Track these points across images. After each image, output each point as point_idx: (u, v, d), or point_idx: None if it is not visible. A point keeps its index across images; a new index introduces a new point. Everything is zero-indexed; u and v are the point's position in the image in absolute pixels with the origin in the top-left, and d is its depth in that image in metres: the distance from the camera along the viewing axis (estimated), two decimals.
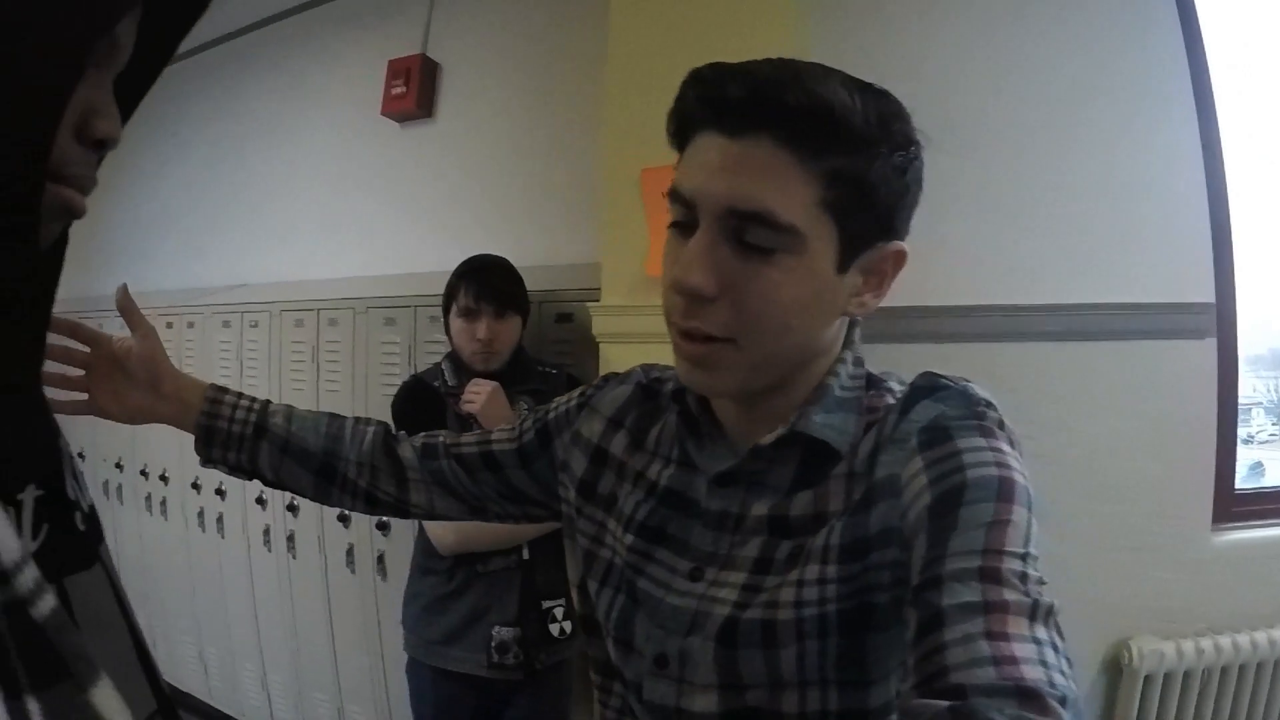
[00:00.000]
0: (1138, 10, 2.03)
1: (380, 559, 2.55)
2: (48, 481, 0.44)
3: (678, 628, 0.71)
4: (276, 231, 3.39)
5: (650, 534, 0.77)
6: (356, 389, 2.63)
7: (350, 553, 2.63)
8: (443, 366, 1.93)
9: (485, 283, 1.84)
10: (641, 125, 1.98)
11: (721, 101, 0.63)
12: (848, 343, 0.76)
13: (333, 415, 1.00)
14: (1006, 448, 0.65)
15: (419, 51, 2.95)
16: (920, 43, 2.11)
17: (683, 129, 0.69)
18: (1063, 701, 0.45)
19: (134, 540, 3.52)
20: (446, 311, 1.90)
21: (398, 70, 2.94)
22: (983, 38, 2.06)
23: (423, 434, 0.99)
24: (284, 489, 1.00)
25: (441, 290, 1.93)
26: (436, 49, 2.97)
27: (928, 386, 0.70)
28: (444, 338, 1.97)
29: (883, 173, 0.66)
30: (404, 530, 2.43)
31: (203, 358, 3.15)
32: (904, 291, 1.95)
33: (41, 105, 0.34)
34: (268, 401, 0.99)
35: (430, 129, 2.97)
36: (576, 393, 0.94)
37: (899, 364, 1.98)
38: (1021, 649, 0.49)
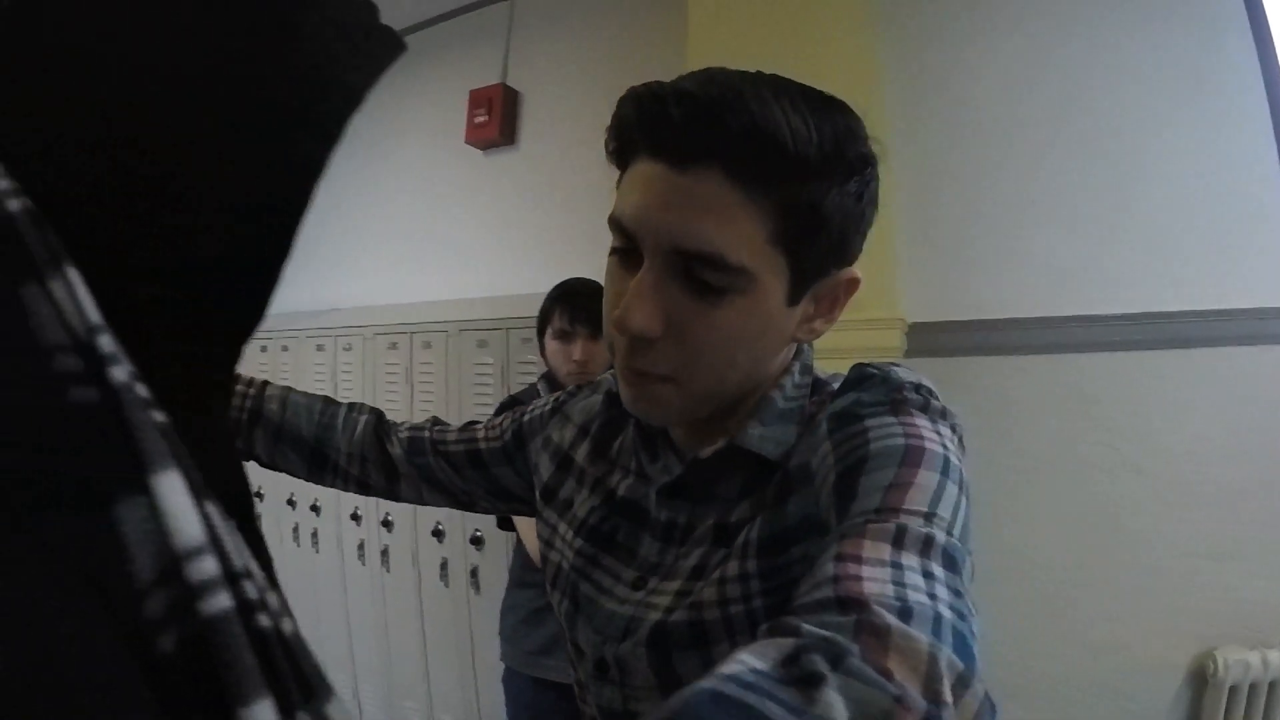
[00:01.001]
0: (1207, 17, 2.03)
1: (474, 573, 2.64)
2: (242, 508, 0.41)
3: (614, 634, 0.71)
4: (366, 257, 3.52)
5: (599, 540, 0.77)
6: (451, 410, 2.70)
7: (444, 567, 2.72)
8: (538, 387, 2.00)
9: (579, 306, 1.91)
10: None
11: (663, 127, 0.59)
12: (797, 353, 0.74)
13: (328, 401, 1.00)
14: (924, 423, 0.61)
15: (499, 81, 3.06)
16: (988, 57, 2.15)
17: (622, 151, 0.65)
18: (904, 614, 0.43)
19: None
20: (541, 334, 1.98)
21: (479, 100, 3.05)
22: (1053, 50, 2.09)
23: (408, 427, 0.99)
24: (277, 470, 1.00)
25: (531, 312, 2.01)
26: (516, 78, 3.07)
27: (854, 379, 0.68)
28: (535, 358, 2.04)
29: (838, 201, 0.61)
30: (498, 544, 2.52)
31: (297, 381, 3.24)
32: (982, 304, 2.00)
33: (305, 178, 0.35)
34: (265, 383, 0.99)
35: (514, 155, 3.06)
36: (552, 398, 0.94)
37: (978, 377, 2.03)
38: (871, 569, 0.47)
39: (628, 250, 0.63)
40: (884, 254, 2.04)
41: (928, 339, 2.07)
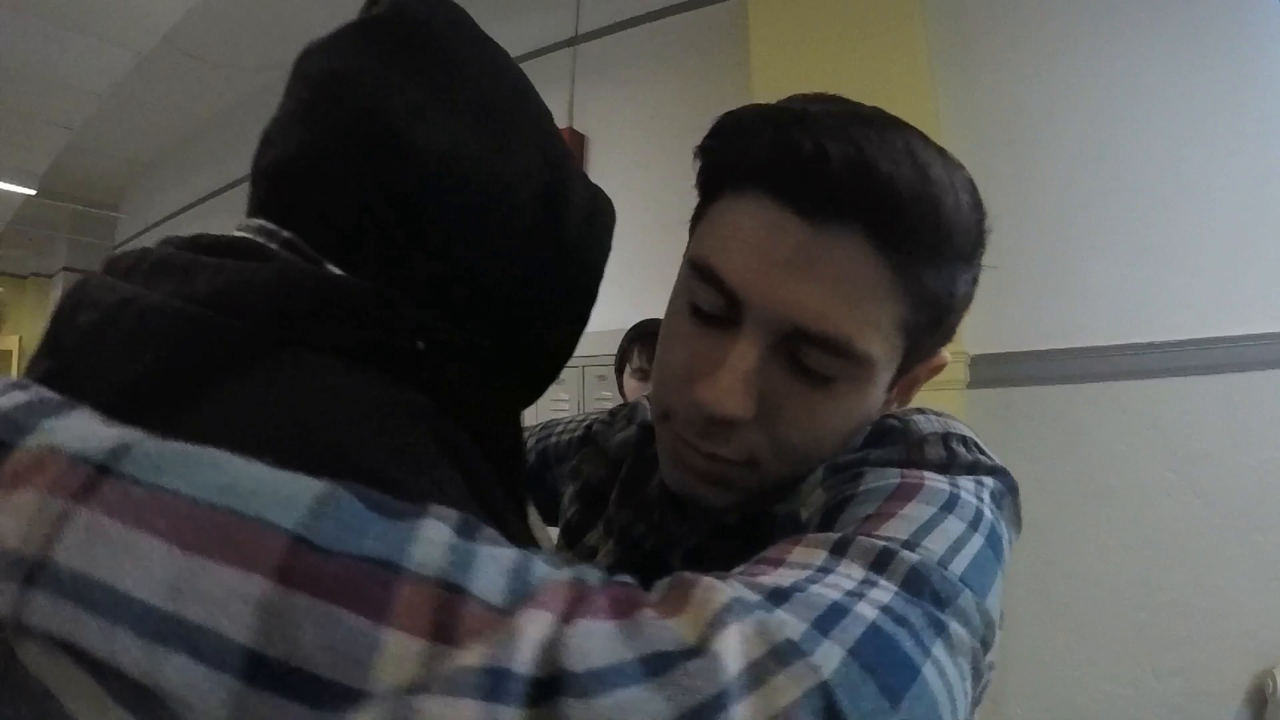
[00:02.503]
0: (1259, 41, 2.06)
1: None
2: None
3: None
4: None
5: None
6: None
7: None
8: None
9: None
10: None
11: (811, 169, 0.46)
12: None
13: None
14: (933, 474, 0.49)
15: (566, 125, 3.19)
16: (1045, 90, 2.22)
17: (722, 177, 0.53)
18: (776, 596, 0.33)
19: None
20: (619, 371, 2.09)
21: None
22: (1111, 81, 2.15)
23: None
24: None
25: (605, 349, 2.12)
26: (582, 122, 3.21)
27: (874, 433, 0.55)
28: (610, 394, 2.16)
29: (967, 287, 0.53)
30: None
31: None
32: (1043, 335, 2.06)
33: (579, 328, 0.57)
34: None
35: None
36: (580, 422, 0.85)
37: (1042, 406, 2.09)
38: (786, 570, 0.38)
39: (721, 317, 0.51)
40: None
41: (990, 370, 2.14)
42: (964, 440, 0.53)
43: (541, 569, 0.30)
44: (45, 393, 0.32)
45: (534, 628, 0.27)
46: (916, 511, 0.44)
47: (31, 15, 3.81)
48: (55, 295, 9.77)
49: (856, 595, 0.35)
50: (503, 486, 0.46)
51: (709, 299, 0.51)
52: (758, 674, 0.28)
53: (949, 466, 0.50)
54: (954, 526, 0.44)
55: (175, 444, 0.30)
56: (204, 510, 0.27)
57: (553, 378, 0.58)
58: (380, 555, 0.27)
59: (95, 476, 0.27)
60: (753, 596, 0.32)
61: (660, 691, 0.26)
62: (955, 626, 0.37)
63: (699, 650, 0.28)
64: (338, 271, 0.46)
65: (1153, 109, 2.11)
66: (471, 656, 0.25)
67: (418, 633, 0.25)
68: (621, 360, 2.07)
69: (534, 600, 0.28)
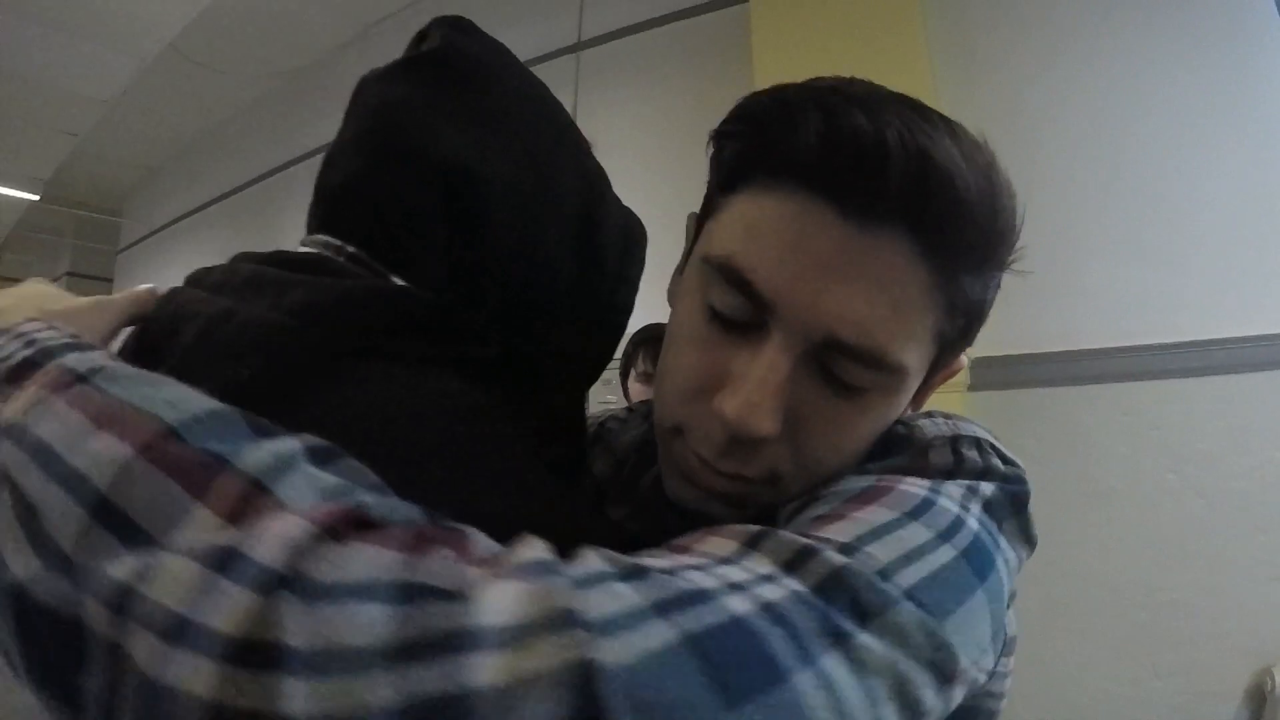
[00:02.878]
0: (1255, 40, 2.08)
1: None
2: None
3: None
4: None
5: None
6: None
7: None
8: None
9: None
10: None
11: (866, 166, 0.42)
12: None
13: None
14: (917, 480, 0.45)
15: None
16: (1046, 95, 2.24)
17: (755, 168, 0.47)
18: (630, 573, 0.31)
19: None
20: (625, 375, 2.11)
21: None
22: (1111, 86, 2.17)
23: None
24: None
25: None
26: (585, 127, 3.18)
27: (881, 442, 0.51)
28: (614, 399, 2.18)
29: (995, 292, 0.51)
30: None
31: None
32: (1045, 337, 2.08)
33: (616, 337, 0.62)
34: None
35: None
36: (596, 420, 0.81)
37: (1044, 408, 2.10)
38: (684, 557, 0.35)
39: (744, 323, 0.46)
40: None
41: (992, 373, 2.15)
42: (977, 443, 0.50)
43: (363, 499, 0.31)
44: (81, 339, 0.40)
45: (293, 531, 0.28)
46: (873, 515, 0.40)
47: (37, 23, 3.84)
48: None
49: (738, 588, 0.32)
50: (564, 473, 0.50)
51: (732, 303, 0.46)
52: (519, 634, 0.26)
53: (956, 472, 0.47)
54: (915, 535, 0.40)
55: (144, 372, 0.36)
56: (120, 403, 0.33)
57: (593, 380, 0.62)
58: (221, 453, 0.31)
59: (72, 381, 0.35)
60: (603, 568, 0.30)
61: (396, 618, 0.26)
62: (869, 641, 0.33)
63: (463, 595, 0.27)
64: (402, 284, 0.51)
65: (1153, 112, 2.13)
66: (226, 536, 0.28)
67: (217, 511, 0.29)
68: (627, 365, 2.10)
69: (317, 513, 0.29)
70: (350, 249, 0.53)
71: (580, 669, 0.25)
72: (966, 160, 0.43)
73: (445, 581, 0.27)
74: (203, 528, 0.28)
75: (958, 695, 0.38)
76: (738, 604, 0.31)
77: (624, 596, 0.29)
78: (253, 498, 0.29)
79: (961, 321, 0.48)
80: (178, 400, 0.33)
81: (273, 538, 0.28)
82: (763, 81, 1.85)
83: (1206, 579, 1.97)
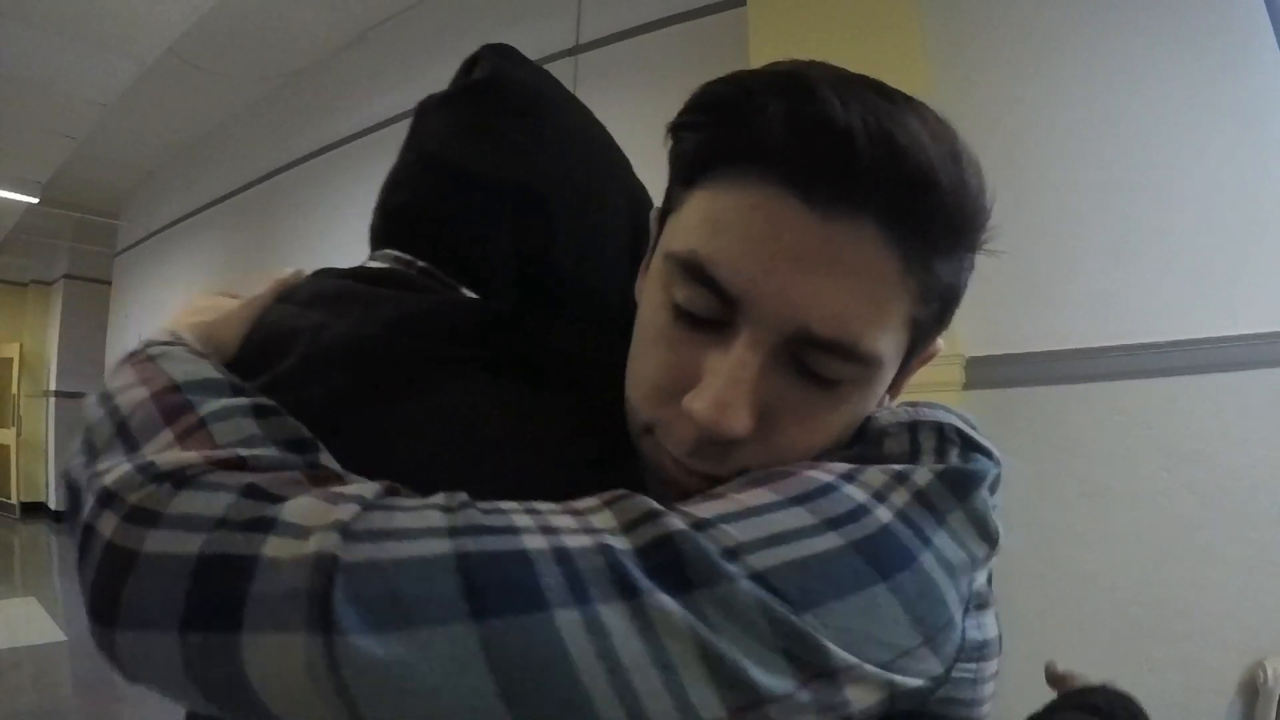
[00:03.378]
0: (1249, 48, 2.09)
1: None
2: None
3: None
4: None
5: None
6: None
7: None
8: None
9: None
10: None
11: (834, 154, 0.40)
12: None
13: None
14: (827, 465, 0.44)
15: None
16: (1036, 100, 2.27)
17: (717, 159, 0.45)
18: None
19: None
20: None
21: None
22: (1105, 86, 2.19)
23: None
24: None
25: None
26: None
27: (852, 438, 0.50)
28: None
29: (969, 274, 0.49)
30: None
31: None
32: (1038, 337, 2.10)
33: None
34: None
35: None
36: None
37: (1038, 406, 2.13)
38: (551, 506, 0.39)
39: (712, 320, 0.45)
40: None
41: (986, 372, 2.18)
42: (939, 429, 0.48)
43: (257, 450, 0.40)
44: (178, 339, 0.52)
45: (190, 458, 0.39)
46: (752, 498, 0.41)
47: (37, 27, 3.86)
48: (56, 302, 9.82)
49: (548, 531, 0.36)
50: (611, 465, 0.53)
51: (698, 300, 0.44)
52: (300, 530, 0.34)
53: (915, 458, 0.46)
54: (792, 519, 0.39)
55: (190, 354, 0.49)
56: (157, 369, 0.46)
57: None
58: (194, 401, 0.43)
59: (145, 359, 0.48)
60: (423, 501, 0.37)
61: (226, 501, 0.36)
62: (667, 604, 0.34)
63: (281, 499, 0.37)
64: (473, 296, 0.57)
65: (1146, 113, 2.15)
66: (166, 451, 0.40)
67: (175, 434, 0.41)
68: None
69: (212, 454, 0.39)
70: (420, 264, 0.60)
71: (325, 560, 0.33)
72: (934, 142, 0.42)
73: (275, 490, 0.37)
74: (162, 442, 0.41)
75: (857, 696, 0.38)
76: (532, 541, 0.35)
77: (419, 520, 0.36)
78: (195, 430, 0.41)
79: (935, 306, 0.47)
80: (192, 371, 0.46)
81: (177, 457, 0.39)
82: None
83: (1199, 574, 1.99)
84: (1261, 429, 1.97)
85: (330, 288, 0.57)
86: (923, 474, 0.44)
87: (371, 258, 0.63)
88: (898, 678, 0.39)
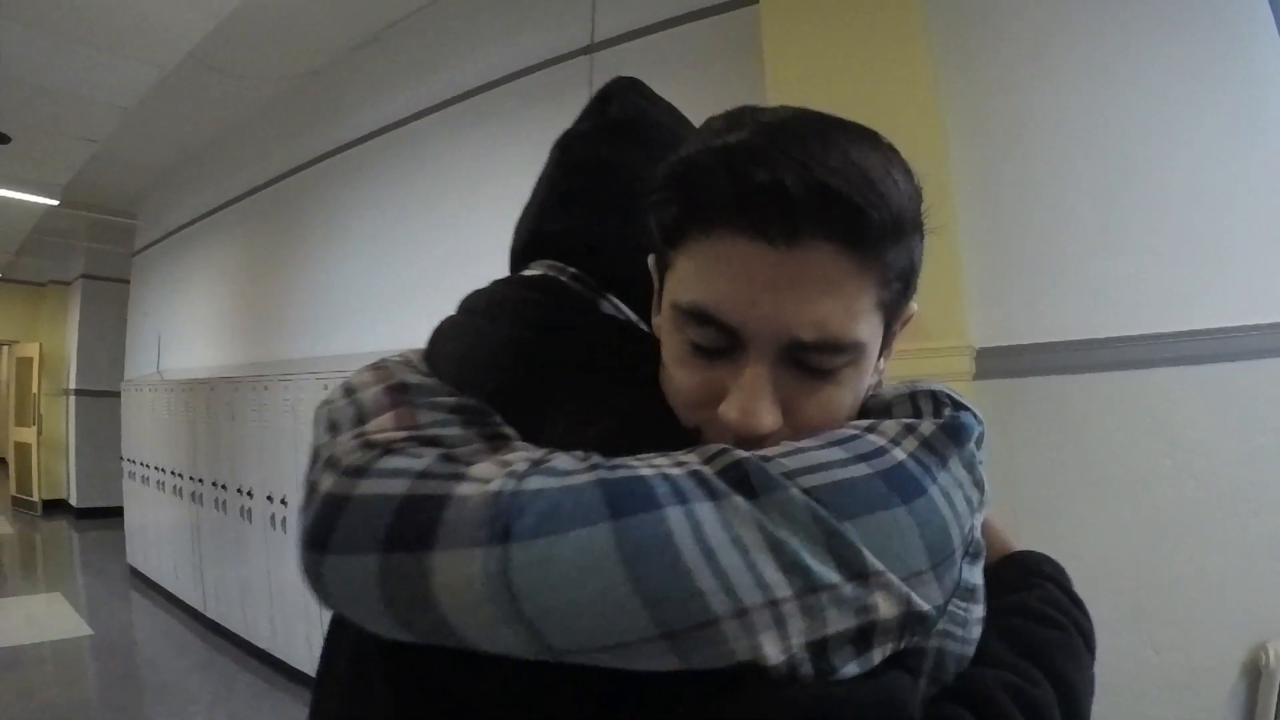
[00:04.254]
0: (1255, 42, 2.10)
1: None
2: None
3: None
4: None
5: None
6: None
7: None
8: None
9: None
10: None
11: (773, 202, 0.50)
12: None
13: None
14: (856, 423, 0.56)
15: None
16: (1045, 94, 2.30)
17: (689, 224, 0.55)
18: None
19: None
20: None
21: None
22: (1112, 81, 2.23)
23: None
24: None
25: None
26: None
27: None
28: None
29: (920, 250, 0.58)
30: None
31: None
32: (1049, 328, 2.15)
33: None
34: None
35: None
36: None
37: (1045, 396, 2.17)
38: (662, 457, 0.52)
39: (723, 348, 0.55)
40: (952, 286, 2.21)
41: (995, 362, 2.23)
42: (932, 395, 0.60)
43: (446, 430, 0.54)
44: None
45: (399, 433, 0.52)
46: (802, 445, 0.51)
47: (60, 36, 3.93)
48: (74, 302, 9.92)
49: (655, 467, 0.47)
50: None
51: (708, 336, 0.55)
52: (484, 480, 0.46)
53: (917, 416, 0.58)
54: (831, 455, 0.50)
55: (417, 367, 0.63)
56: (386, 370, 0.61)
57: None
58: (414, 397, 0.56)
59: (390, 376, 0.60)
60: (565, 457, 0.50)
61: (430, 458, 0.49)
62: (741, 504, 0.45)
63: (470, 461, 0.49)
64: (613, 307, 0.69)
65: (1152, 110, 2.18)
66: (376, 425, 0.54)
67: (393, 416, 0.54)
68: None
69: (419, 430, 0.53)
70: (571, 269, 0.71)
71: (504, 493, 0.45)
72: (859, 164, 0.51)
73: (463, 457, 0.49)
74: (383, 422, 0.53)
75: (882, 603, 0.46)
76: (647, 471, 0.46)
77: (566, 467, 0.47)
78: (400, 406, 0.55)
79: (898, 285, 0.56)
80: (414, 376, 0.60)
81: (387, 433, 0.52)
82: (775, 82, 1.94)
83: (1201, 559, 2.03)
84: (1263, 418, 2.01)
85: (487, 294, 0.72)
86: (926, 425, 0.55)
87: (530, 266, 0.75)
88: (913, 595, 0.48)
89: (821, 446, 0.51)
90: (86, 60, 4.16)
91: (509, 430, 0.55)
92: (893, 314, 0.59)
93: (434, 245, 4.00)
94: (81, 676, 4.65)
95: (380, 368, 0.62)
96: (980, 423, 0.60)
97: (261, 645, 4.75)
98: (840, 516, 0.46)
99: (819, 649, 0.45)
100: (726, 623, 0.42)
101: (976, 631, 0.58)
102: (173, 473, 6.00)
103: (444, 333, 0.69)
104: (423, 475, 0.45)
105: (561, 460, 0.48)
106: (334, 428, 0.54)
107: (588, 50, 3.41)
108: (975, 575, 0.58)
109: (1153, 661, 2.07)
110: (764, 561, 0.44)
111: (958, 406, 0.60)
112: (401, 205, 4.25)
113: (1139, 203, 2.16)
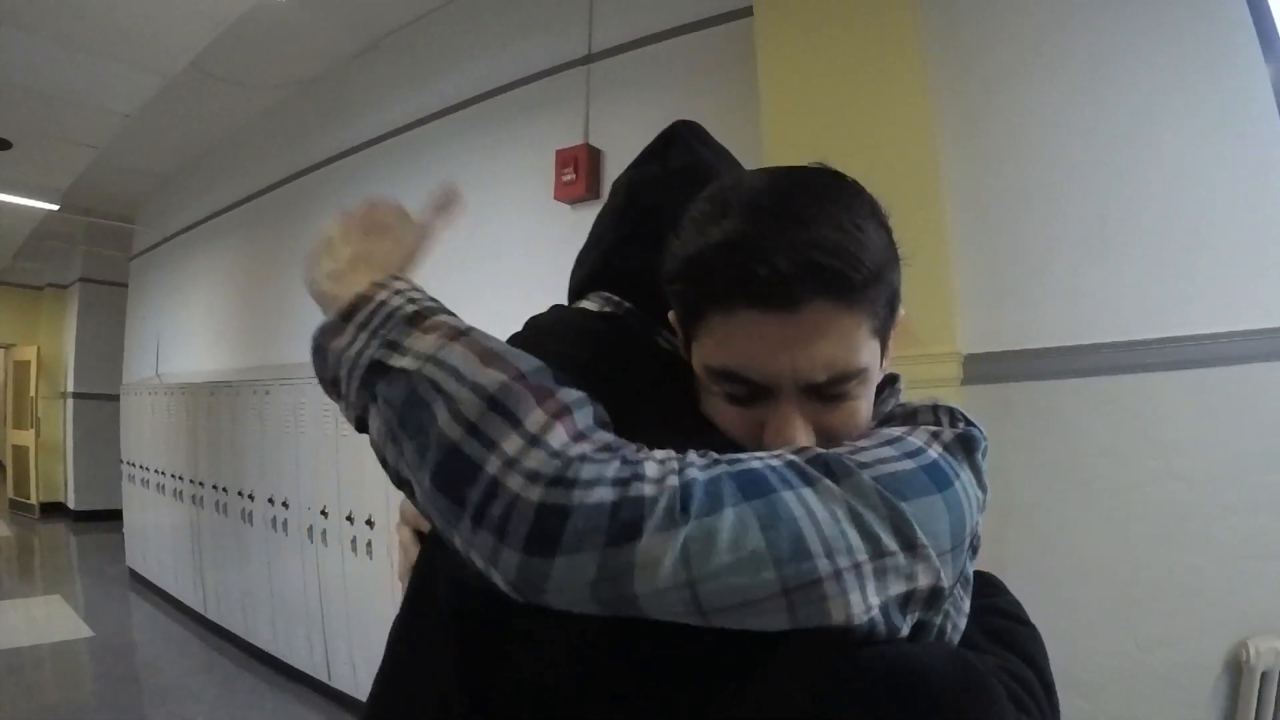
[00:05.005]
0: (1249, 51, 2.13)
1: None
2: None
3: None
4: (480, 300, 3.79)
5: None
6: None
7: None
8: None
9: None
10: None
11: (772, 284, 0.61)
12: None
13: None
14: (901, 427, 0.68)
15: (583, 141, 3.35)
16: (1037, 106, 2.36)
17: (707, 305, 0.65)
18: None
19: (336, 578, 4.11)
20: None
21: (566, 159, 3.35)
22: (1101, 94, 2.28)
23: None
24: None
25: None
26: (597, 137, 3.37)
27: (889, 416, 0.75)
28: None
29: (898, 274, 0.69)
30: None
31: None
32: (1036, 334, 2.21)
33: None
34: None
35: (599, 209, 3.27)
36: None
37: (1034, 400, 2.23)
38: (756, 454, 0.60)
39: (753, 393, 0.66)
40: (942, 294, 2.27)
41: (983, 368, 2.28)
42: (950, 411, 0.71)
43: (600, 435, 0.58)
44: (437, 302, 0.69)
45: (564, 436, 0.55)
46: (861, 443, 0.63)
47: (63, 45, 3.96)
48: (72, 305, 9.93)
49: (762, 460, 0.57)
50: None
51: (741, 390, 0.66)
52: (664, 475, 0.54)
53: (939, 424, 0.69)
54: (885, 453, 0.61)
55: (493, 336, 0.63)
56: (493, 352, 0.60)
57: None
58: (550, 388, 0.58)
59: (458, 334, 0.62)
60: (697, 457, 0.57)
61: (608, 461, 0.54)
62: (830, 485, 0.56)
63: (640, 462, 0.55)
64: (666, 341, 0.78)
65: (1138, 124, 2.22)
66: (549, 428, 0.55)
67: (547, 413, 0.56)
68: None
69: (578, 435, 0.56)
70: (627, 305, 0.81)
71: (675, 488, 0.53)
72: (837, 232, 0.62)
73: (633, 459, 0.55)
74: (538, 420, 0.55)
75: (922, 573, 0.57)
76: (758, 465, 0.56)
77: (703, 463, 0.56)
78: (563, 414, 0.56)
79: (885, 311, 0.67)
80: (521, 357, 0.60)
81: (563, 435, 0.55)
82: (768, 92, 2.02)
83: (1185, 558, 2.08)
84: (1244, 421, 2.06)
85: (565, 316, 0.83)
86: (947, 434, 0.67)
87: (588, 298, 0.84)
88: (941, 570, 0.58)
89: (877, 445, 0.62)
90: (89, 68, 4.20)
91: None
92: (885, 331, 0.69)
93: (432, 251, 4.01)
94: (83, 678, 4.68)
95: (463, 336, 0.61)
96: (985, 437, 0.70)
97: (262, 646, 4.79)
98: (898, 498, 0.57)
99: (884, 611, 0.55)
100: (827, 582, 0.52)
101: (964, 620, 0.68)
102: (173, 475, 6.04)
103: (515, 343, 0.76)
104: (617, 482, 0.53)
105: (694, 458, 0.57)
106: (463, 418, 0.56)
107: (586, 60, 3.47)
108: (970, 569, 0.69)
109: (1138, 657, 2.12)
110: (850, 531, 0.54)
111: (969, 423, 0.70)
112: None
113: (1124, 214, 2.21)
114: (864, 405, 0.69)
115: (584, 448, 0.54)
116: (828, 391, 0.65)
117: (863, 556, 0.54)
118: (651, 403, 0.69)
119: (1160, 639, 2.11)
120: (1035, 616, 2.13)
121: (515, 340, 0.76)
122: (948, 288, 2.31)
